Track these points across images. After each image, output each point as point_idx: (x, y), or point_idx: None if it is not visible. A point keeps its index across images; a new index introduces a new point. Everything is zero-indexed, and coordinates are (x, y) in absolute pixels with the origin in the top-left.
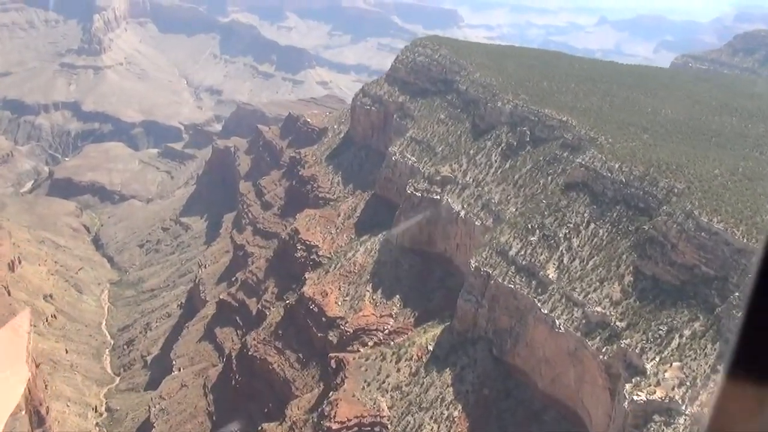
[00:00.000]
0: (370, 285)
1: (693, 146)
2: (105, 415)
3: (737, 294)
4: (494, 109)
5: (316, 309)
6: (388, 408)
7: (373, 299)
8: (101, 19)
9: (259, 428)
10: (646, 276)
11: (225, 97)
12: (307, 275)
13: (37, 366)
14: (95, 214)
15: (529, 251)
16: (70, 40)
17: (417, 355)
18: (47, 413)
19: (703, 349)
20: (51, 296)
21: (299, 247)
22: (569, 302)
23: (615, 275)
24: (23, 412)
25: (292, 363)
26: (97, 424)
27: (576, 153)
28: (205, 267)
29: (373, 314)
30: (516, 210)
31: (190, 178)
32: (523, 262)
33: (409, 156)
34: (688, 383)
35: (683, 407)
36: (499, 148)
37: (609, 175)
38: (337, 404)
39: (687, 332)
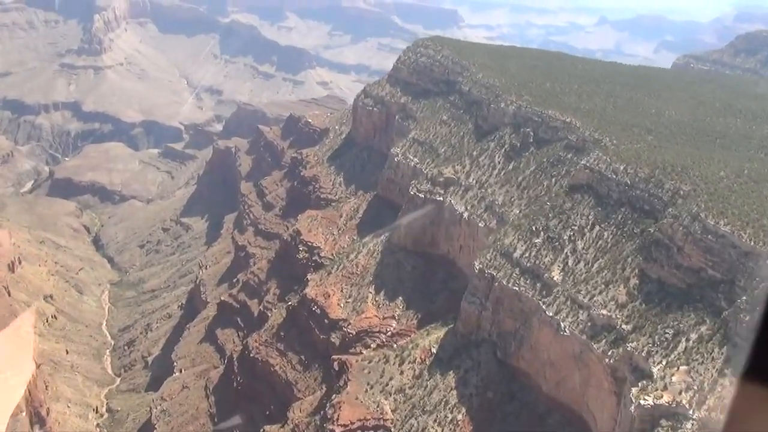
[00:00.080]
0: (373, 287)
1: (698, 148)
2: (106, 416)
3: (745, 298)
4: (497, 110)
5: (318, 311)
6: (391, 411)
7: (376, 301)
8: (101, 19)
9: (261, 431)
10: (652, 279)
11: (225, 98)
12: (309, 277)
13: (37, 367)
14: (95, 215)
15: (533, 253)
16: (70, 41)
17: (420, 358)
18: (48, 414)
19: (710, 353)
20: (51, 297)
21: (301, 249)
22: (574, 305)
23: (620, 278)
24: (24, 414)
25: (294, 365)
26: (97, 425)
27: (580, 154)
28: (206, 268)
29: (376, 316)
30: (520, 212)
31: (190, 179)
32: (528, 264)
33: (411, 157)
34: (695, 387)
35: (690, 412)
36: (503, 150)
37: (614, 177)
38: (340, 407)
39: (694, 336)
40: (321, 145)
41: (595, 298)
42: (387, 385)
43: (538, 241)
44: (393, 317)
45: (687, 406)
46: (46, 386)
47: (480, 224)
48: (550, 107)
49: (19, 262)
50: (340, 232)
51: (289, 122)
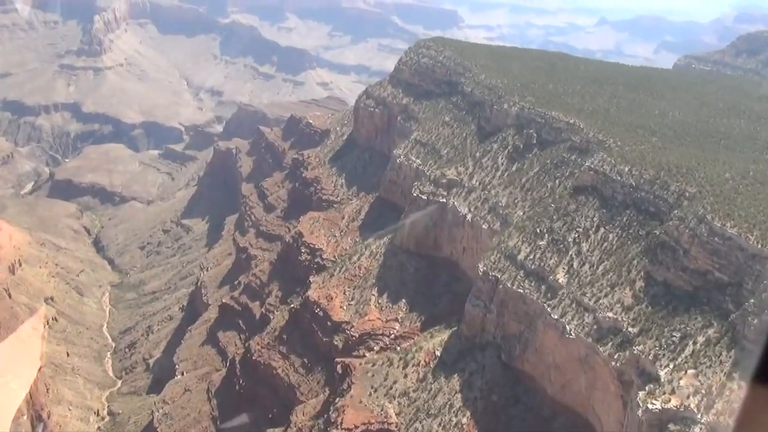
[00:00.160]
0: (376, 289)
1: (702, 149)
2: (107, 418)
3: (752, 300)
4: (500, 111)
5: (321, 313)
6: (395, 414)
7: (379, 303)
8: (101, 20)
9: None
10: (658, 281)
11: (225, 98)
12: (311, 279)
13: (38, 370)
14: (96, 216)
15: (538, 255)
16: (70, 41)
17: (424, 361)
18: (49, 417)
19: (718, 357)
20: (52, 299)
21: (303, 250)
22: (580, 307)
23: (626, 280)
24: (25, 417)
25: (296, 368)
26: (99, 428)
27: (584, 156)
28: (207, 270)
29: (379, 319)
30: (524, 213)
31: (191, 180)
32: (532, 267)
33: (413, 158)
34: (703, 391)
35: (699, 416)
36: (506, 151)
37: (618, 178)
38: (344, 410)
39: (701, 339)
40: (322, 146)
41: (600, 301)
42: (391, 388)
43: (542, 243)
44: (396, 320)
45: (695, 410)
46: (47, 389)
47: (483, 226)
48: (554, 108)
49: (20, 264)
50: (342, 234)
51: (290, 123)
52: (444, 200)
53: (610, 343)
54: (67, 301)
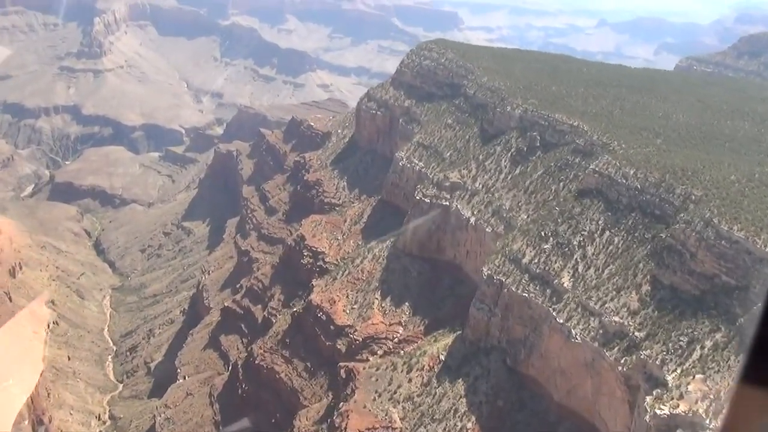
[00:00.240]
0: (379, 292)
1: (707, 152)
2: (108, 423)
3: (760, 304)
4: (503, 114)
5: (324, 317)
6: (400, 419)
7: (382, 307)
8: (101, 22)
9: None
10: (664, 285)
11: (226, 101)
12: (314, 282)
13: (40, 374)
14: (96, 219)
15: (542, 259)
16: (70, 44)
17: (429, 365)
18: (50, 422)
19: (726, 361)
20: (53, 302)
21: (305, 254)
22: (585, 311)
23: (632, 284)
24: (26, 422)
25: (299, 372)
26: None
27: (588, 158)
28: (209, 273)
29: (383, 322)
30: (528, 217)
31: (191, 182)
32: (537, 270)
33: (416, 161)
34: (711, 396)
35: (707, 421)
36: (509, 154)
37: (624, 181)
38: (348, 415)
39: (708, 343)
40: (324, 148)
41: (606, 305)
42: (395, 392)
43: (547, 246)
44: (399, 323)
45: (704, 415)
46: (48, 393)
47: (487, 229)
48: (557, 111)
49: (20, 267)
50: (345, 237)
51: (291, 126)
52: (447, 203)
53: (616, 348)
54: (67, 304)
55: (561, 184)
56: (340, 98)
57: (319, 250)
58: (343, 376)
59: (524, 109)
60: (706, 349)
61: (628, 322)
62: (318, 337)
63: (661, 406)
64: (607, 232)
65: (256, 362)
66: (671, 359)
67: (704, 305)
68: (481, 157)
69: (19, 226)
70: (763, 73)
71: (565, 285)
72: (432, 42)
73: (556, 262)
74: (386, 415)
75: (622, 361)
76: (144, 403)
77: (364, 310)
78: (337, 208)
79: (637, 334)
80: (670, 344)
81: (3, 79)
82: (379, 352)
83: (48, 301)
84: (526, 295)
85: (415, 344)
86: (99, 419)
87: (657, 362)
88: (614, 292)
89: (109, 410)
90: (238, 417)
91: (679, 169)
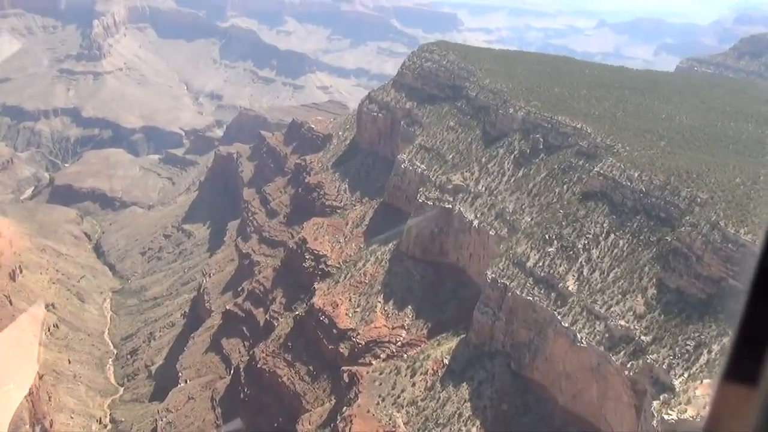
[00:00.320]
0: (382, 296)
1: (712, 154)
2: (109, 426)
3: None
4: (506, 116)
5: (326, 320)
6: (404, 424)
7: (385, 310)
8: (100, 24)
9: None
10: (670, 289)
11: (225, 103)
12: (316, 285)
13: (40, 377)
14: (96, 222)
15: (547, 262)
16: (69, 46)
17: (432, 369)
18: (51, 426)
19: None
20: (53, 305)
21: (307, 257)
22: (591, 315)
23: (638, 288)
24: (27, 426)
25: (302, 376)
26: None
27: (592, 161)
28: (210, 276)
29: (385, 326)
30: (531, 220)
31: (191, 185)
32: (542, 274)
33: (418, 164)
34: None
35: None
36: (512, 156)
37: (628, 184)
38: (352, 420)
39: (716, 348)
40: (325, 151)
41: (612, 309)
42: (399, 397)
43: (551, 249)
44: (402, 327)
45: None
46: (49, 397)
47: (491, 232)
48: (560, 113)
49: (21, 271)
50: (347, 240)
51: (291, 128)
52: (450, 206)
53: (622, 352)
54: (68, 307)
55: (565, 186)
56: (339, 100)
57: (321, 253)
58: (346, 380)
59: (527, 112)
60: (713, 354)
61: (634, 326)
62: (320, 341)
63: (669, 411)
64: (612, 235)
65: (258, 366)
66: (678, 364)
67: (711, 309)
68: (483, 159)
69: (19, 229)
70: (765, 74)
71: (570, 288)
72: (433, 44)
73: (560, 266)
74: (390, 419)
75: (629, 366)
76: (145, 407)
77: (367, 313)
78: (338, 211)
79: (643, 338)
80: (677, 348)
81: (2, 81)
82: (382, 355)
83: (48, 304)
84: (531, 298)
85: (419, 348)
86: (100, 423)
87: (664, 367)
88: (620, 296)
89: (110, 414)
90: (242, 422)
91: (684, 171)
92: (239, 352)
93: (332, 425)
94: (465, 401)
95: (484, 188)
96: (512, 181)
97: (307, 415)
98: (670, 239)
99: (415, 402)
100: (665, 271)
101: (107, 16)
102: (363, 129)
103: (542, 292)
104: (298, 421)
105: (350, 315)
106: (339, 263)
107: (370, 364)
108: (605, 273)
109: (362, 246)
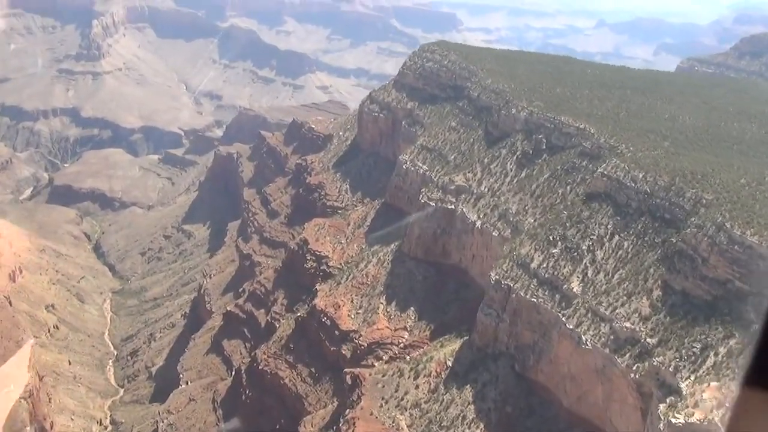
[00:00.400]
0: (384, 297)
1: (716, 154)
2: (110, 428)
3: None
4: (508, 116)
5: (328, 322)
6: (407, 426)
7: (387, 312)
8: (99, 24)
9: None
10: (676, 290)
11: (225, 102)
12: (318, 287)
13: (40, 379)
14: (96, 222)
15: (551, 264)
16: (68, 46)
17: (436, 371)
18: (51, 428)
19: (742, 368)
20: (53, 306)
21: (309, 258)
22: (595, 317)
23: (643, 289)
24: (28, 428)
25: (304, 378)
26: None
27: (595, 162)
28: (210, 277)
29: (388, 327)
30: (535, 221)
31: (191, 185)
32: (546, 275)
33: (420, 164)
34: (727, 404)
35: (723, 431)
36: (515, 157)
37: (633, 185)
38: (355, 423)
39: (723, 350)
40: (326, 151)
41: (617, 311)
42: (402, 399)
43: (555, 251)
44: (405, 328)
45: (719, 424)
46: (50, 399)
47: (494, 233)
48: (563, 113)
49: (20, 272)
50: (348, 241)
51: (291, 128)
52: (453, 207)
53: (627, 354)
54: (68, 308)
55: (568, 187)
56: (339, 100)
57: (322, 254)
58: (349, 383)
59: (530, 112)
60: (720, 356)
61: (639, 328)
62: (322, 343)
63: (676, 415)
64: (617, 237)
65: (260, 367)
66: (684, 366)
67: (717, 311)
68: (486, 160)
69: (18, 229)
70: (766, 74)
71: (574, 290)
72: (434, 44)
73: (565, 267)
74: (393, 422)
75: (634, 368)
76: (145, 408)
77: (369, 314)
78: (339, 212)
79: (649, 340)
80: (683, 351)
81: (1, 81)
82: (384, 357)
83: (47, 305)
84: (535, 300)
85: (421, 349)
86: (100, 424)
87: (670, 369)
88: (625, 298)
89: (111, 415)
90: (242, 423)
91: (689, 172)
92: (240, 354)
93: (335, 428)
94: (469, 403)
95: (486, 189)
96: (515, 181)
97: (310, 418)
98: (675, 241)
99: (419, 404)
100: (670, 272)
101: (106, 16)
102: (364, 129)
103: (546, 293)
104: (300, 424)
105: (352, 316)
106: (341, 264)
107: (373, 366)
108: (610, 274)
109: (364, 247)
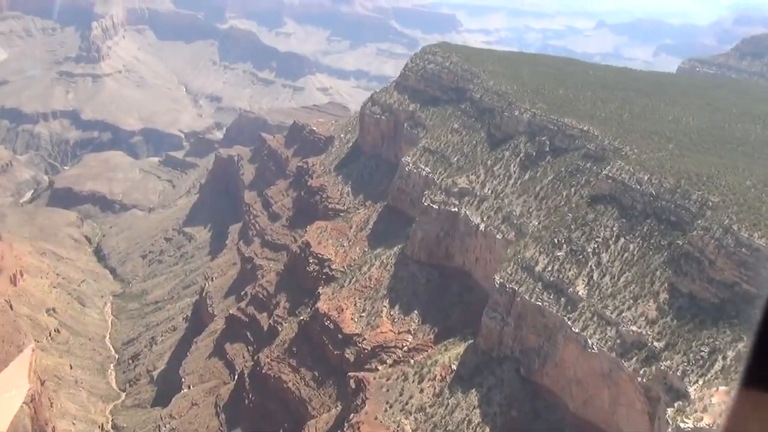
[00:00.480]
0: (387, 300)
1: (720, 156)
2: None
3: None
4: (511, 118)
5: (331, 325)
6: (412, 431)
7: (391, 315)
8: (99, 26)
9: None
10: (683, 293)
11: (225, 104)
12: (320, 290)
13: (42, 383)
14: (96, 225)
15: (556, 267)
16: (68, 48)
17: (440, 375)
18: None
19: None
20: (54, 310)
21: (311, 261)
22: (601, 321)
23: (649, 292)
24: None
25: (307, 381)
26: None
27: (599, 164)
28: (212, 280)
29: (391, 331)
30: (539, 223)
31: (192, 187)
32: (551, 279)
33: (422, 166)
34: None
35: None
36: (518, 159)
37: (638, 187)
38: (359, 427)
39: (731, 354)
40: (327, 153)
41: (623, 314)
42: (407, 403)
43: (560, 254)
44: (409, 332)
45: None
46: (51, 403)
47: (497, 236)
48: (566, 115)
49: (21, 275)
50: (351, 244)
51: (292, 130)
52: (456, 209)
53: (634, 358)
54: (69, 312)
55: (572, 189)
56: (340, 102)
57: (325, 257)
58: (353, 387)
59: (532, 114)
60: (728, 360)
61: (646, 331)
62: (326, 346)
63: (685, 419)
64: (622, 239)
65: (263, 371)
66: (692, 370)
67: (725, 314)
68: (489, 162)
69: (18, 232)
70: (767, 75)
71: (580, 293)
72: (435, 45)
73: (570, 270)
74: (398, 426)
75: (642, 372)
76: (147, 412)
77: (373, 318)
78: (341, 214)
79: (656, 344)
80: (691, 354)
81: (1, 84)
82: (388, 361)
83: (48, 308)
84: (540, 303)
85: (425, 353)
86: (102, 429)
87: (678, 373)
88: (631, 301)
89: (112, 419)
90: (245, 428)
91: (694, 174)
92: (243, 358)
93: None
94: (474, 407)
95: (490, 191)
96: (519, 184)
97: (313, 422)
98: (681, 243)
99: (424, 408)
100: (677, 275)
101: (106, 18)
102: (366, 131)
103: (551, 297)
104: (304, 428)
105: (356, 320)
106: (343, 267)
107: (377, 369)
108: (616, 277)
109: (367, 250)
